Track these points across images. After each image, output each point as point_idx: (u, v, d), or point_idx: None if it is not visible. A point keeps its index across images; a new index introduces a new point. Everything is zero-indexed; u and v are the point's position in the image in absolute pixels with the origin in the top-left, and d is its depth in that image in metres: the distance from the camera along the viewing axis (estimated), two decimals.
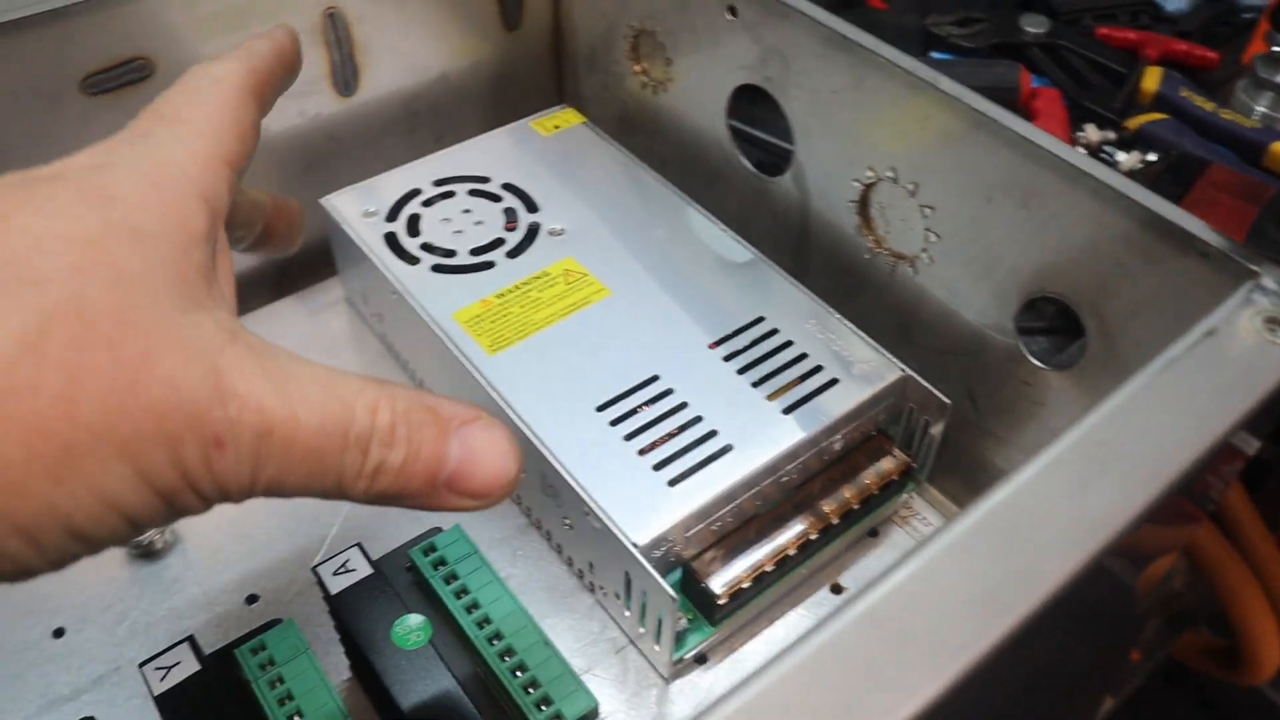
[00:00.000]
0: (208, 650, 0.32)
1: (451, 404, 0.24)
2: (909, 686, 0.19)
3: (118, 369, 0.19)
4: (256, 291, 0.52)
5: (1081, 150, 0.61)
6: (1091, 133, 0.61)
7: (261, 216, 0.32)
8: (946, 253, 0.39)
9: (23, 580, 0.19)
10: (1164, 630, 0.50)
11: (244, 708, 0.29)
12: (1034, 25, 0.68)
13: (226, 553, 0.41)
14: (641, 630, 0.37)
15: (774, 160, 0.47)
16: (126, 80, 0.43)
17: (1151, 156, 0.60)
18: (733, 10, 0.43)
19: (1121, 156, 0.60)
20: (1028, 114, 0.62)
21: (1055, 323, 0.48)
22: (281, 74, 0.29)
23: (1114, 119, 0.63)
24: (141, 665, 0.31)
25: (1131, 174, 0.57)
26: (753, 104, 0.46)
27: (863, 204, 0.42)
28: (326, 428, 0.22)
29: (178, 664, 0.31)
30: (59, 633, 0.38)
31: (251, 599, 0.39)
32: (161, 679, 0.30)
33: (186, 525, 0.41)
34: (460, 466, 0.23)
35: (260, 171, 0.48)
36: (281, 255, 0.35)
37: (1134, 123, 0.62)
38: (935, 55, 0.68)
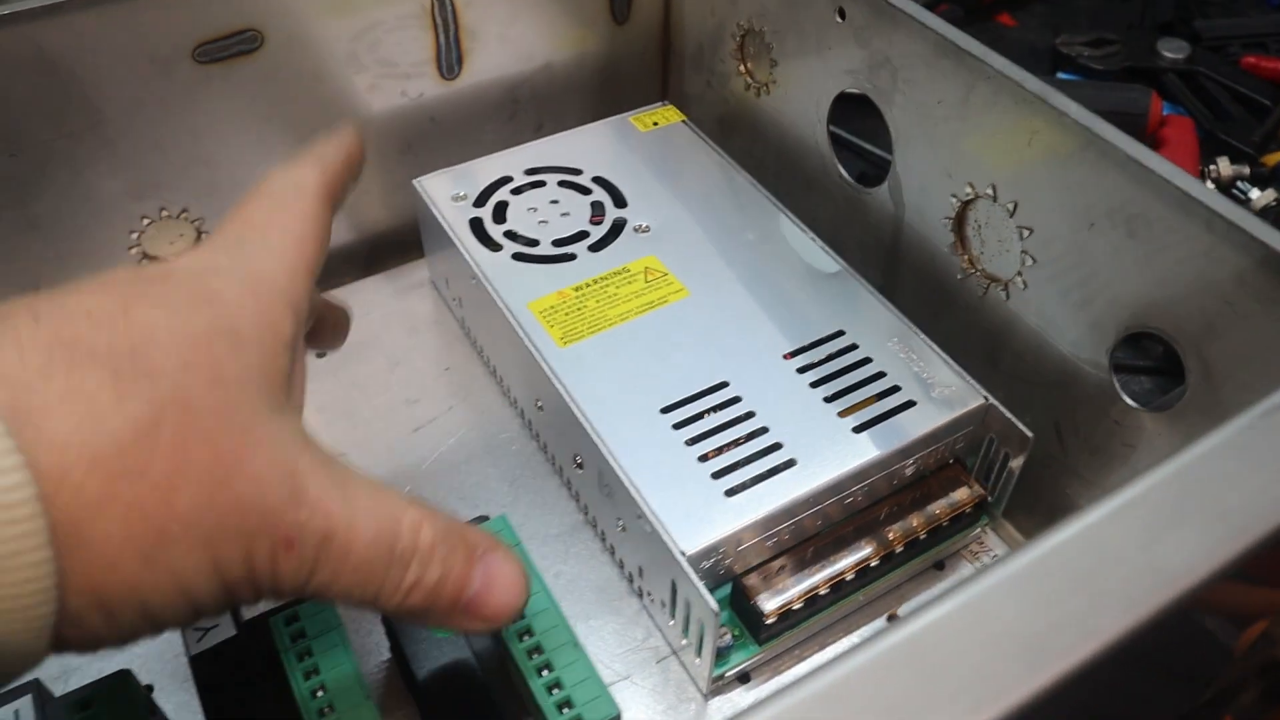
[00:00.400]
0: (248, 617, 0.32)
1: (475, 532, 0.26)
2: None
3: (214, 464, 0.21)
4: (348, 268, 0.52)
5: (1210, 184, 0.58)
6: (1224, 166, 0.58)
7: (314, 314, 0.33)
8: (1043, 278, 0.37)
9: (87, 652, 0.21)
10: (1263, 699, 0.47)
11: (272, 675, 0.29)
12: (1172, 50, 0.65)
13: None
14: (684, 642, 0.36)
15: (873, 171, 0.45)
16: (236, 51, 0.44)
17: None
18: (842, 13, 0.42)
19: (1255, 194, 0.57)
20: (1155, 142, 0.59)
21: (1157, 363, 0.46)
22: (349, 178, 0.31)
23: (1251, 153, 0.59)
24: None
25: (1264, 212, 0.54)
26: (856, 112, 0.45)
27: (959, 221, 0.40)
28: (379, 540, 0.23)
29: (215, 626, 0.31)
30: None
31: None
32: (199, 640, 0.31)
33: None
34: (479, 593, 0.25)
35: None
36: (328, 349, 0.37)
37: (1273, 159, 0.59)
38: (1062, 76, 0.65)
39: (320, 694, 0.29)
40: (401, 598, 0.24)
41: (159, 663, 0.37)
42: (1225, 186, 0.58)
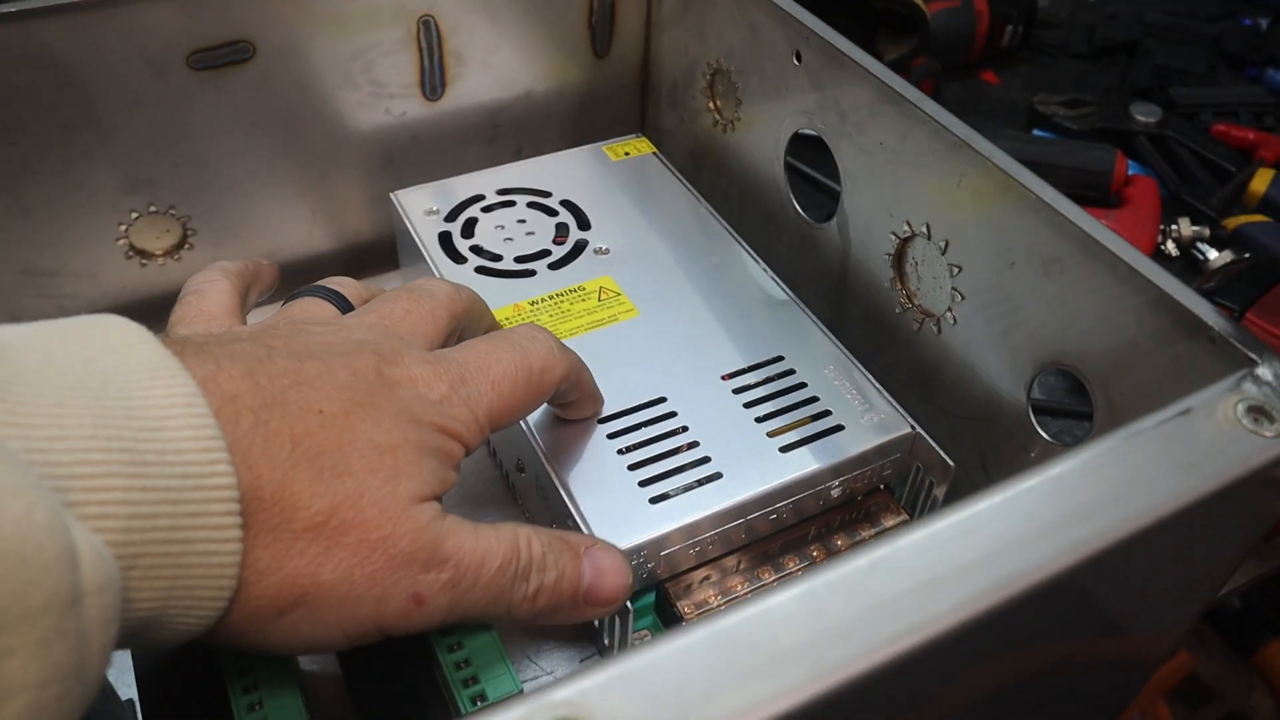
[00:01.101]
0: None
1: (576, 535, 0.32)
2: (758, 695, 0.20)
3: (360, 545, 0.26)
4: (326, 273, 0.54)
5: (1170, 244, 0.60)
6: (1185, 227, 0.60)
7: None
8: (970, 314, 0.39)
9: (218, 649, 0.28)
10: None
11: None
12: (1146, 114, 0.67)
13: None
14: (605, 643, 0.37)
15: (833, 206, 0.47)
16: (229, 60, 0.46)
17: (1248, 256, 0.58)
18: (799, 55, 0.44)
19: (1213, 254, 0.59)
20: (1119, 200, 0.61)
21: (1073, 402, 0.47)
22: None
23: (1213, 215, 0.61)
24: None
25: (1215, 272, 0.55)
26: (814, 150, 0.47)
27: (898, 258, 0.42)
28: (504, 564, 0.29)
29: None
30: None
31: None
32: None
33: None
34: (592, 583, 0.31)
35: (344, 160, 0.51)
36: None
37: (1233, 222, 0.60)
38: (1038, 133, 0.67)
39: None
40: (530, 605, 0.30)
41: None
42: (1185, 246, 0.59)
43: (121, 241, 0.49)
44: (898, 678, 0.21)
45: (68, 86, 0.44)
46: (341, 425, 0.27)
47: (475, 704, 0.29)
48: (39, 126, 0.44)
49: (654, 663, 0.20)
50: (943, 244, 0.39)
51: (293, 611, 0.26)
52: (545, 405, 0.39)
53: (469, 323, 0.36)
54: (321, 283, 0.36)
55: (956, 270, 0.39)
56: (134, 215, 0.48)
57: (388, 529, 0.27)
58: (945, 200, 0.38)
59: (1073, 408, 0.48)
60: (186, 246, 0.50)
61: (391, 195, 0.49)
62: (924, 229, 0.40)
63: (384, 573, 0.27)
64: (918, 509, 0.40)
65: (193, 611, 0.24)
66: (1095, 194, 0.60)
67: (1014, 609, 0.22)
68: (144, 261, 0.50)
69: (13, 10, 0.41)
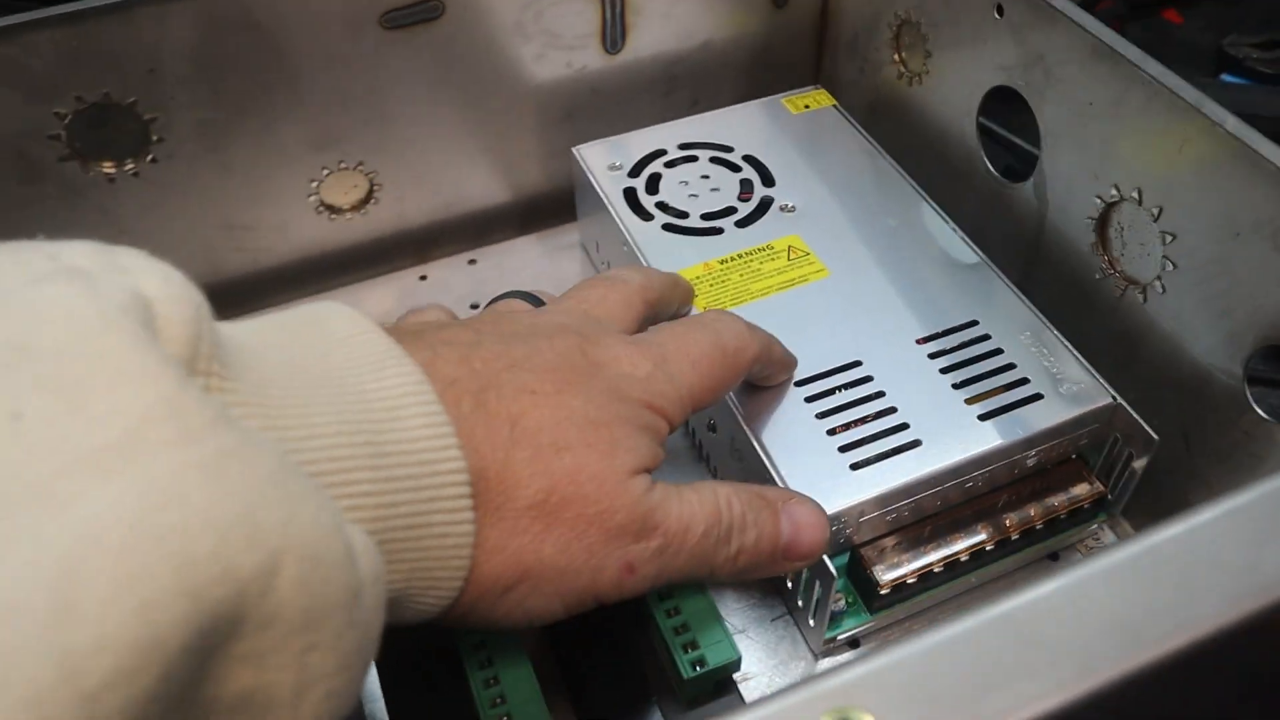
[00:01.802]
0: None
1: (773, 490, 0.33)
2: (1027, 692, 0.20)
3: (579, 519, 0.27)
4: (503, 227, 0.55)
5: None
6: None
7: None
8: (1182, 284, 0.37)
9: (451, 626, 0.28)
10: None
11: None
12: None
13: None
14: (800, 604, 0.38)
15: (1019, 165, 0.46)
16: (420, 18, 0.47)
17: None
18: (1000, 9, 0.42)
19: None
20: None
21: None
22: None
23: None
24: None
25: None
26: (1005, 106, 0.45)
27: (1102, 222, 0.40)
28: (708, 530, 0.30)
29: None
30: None
31: None
32: None
33: None
34: (791, 537, 0.32)
35: (523, 114, 0.52)
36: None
37: None
38: (1227, 78, 0.64)
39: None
40: (732, 564, 0.30)
41: None
42: None
43: (313, 197, 0.50)
44: (1168, 678, 0.21)
45: (269, 49, 0.45)
46: (555, 403, 0.28)
47: (695, 668, 0.30)
48: (241, 88, 0.46)
49: (927, 654, 0.20)
50: (1155, 210, 0.38)
51: (518, 587, 0.27)
52: None
53: (661, 308, 0.37)
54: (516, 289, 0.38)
55: (1170, 238, 0.37)
56: (325, 171, 0.50)
57: (605, 503, 0.27)
58: (1161, 164, 0.37)
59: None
60: (373, 201, 0.52)
61: (573, 150, 0.50)
62: (1134, 194, 0.38)
63: (600, 545, 0.27)
64: (1113, 480, 0.40)
65: (431, 592, 0.25)
66: None
67: None
68: (333, 216, 0.51)
69: None
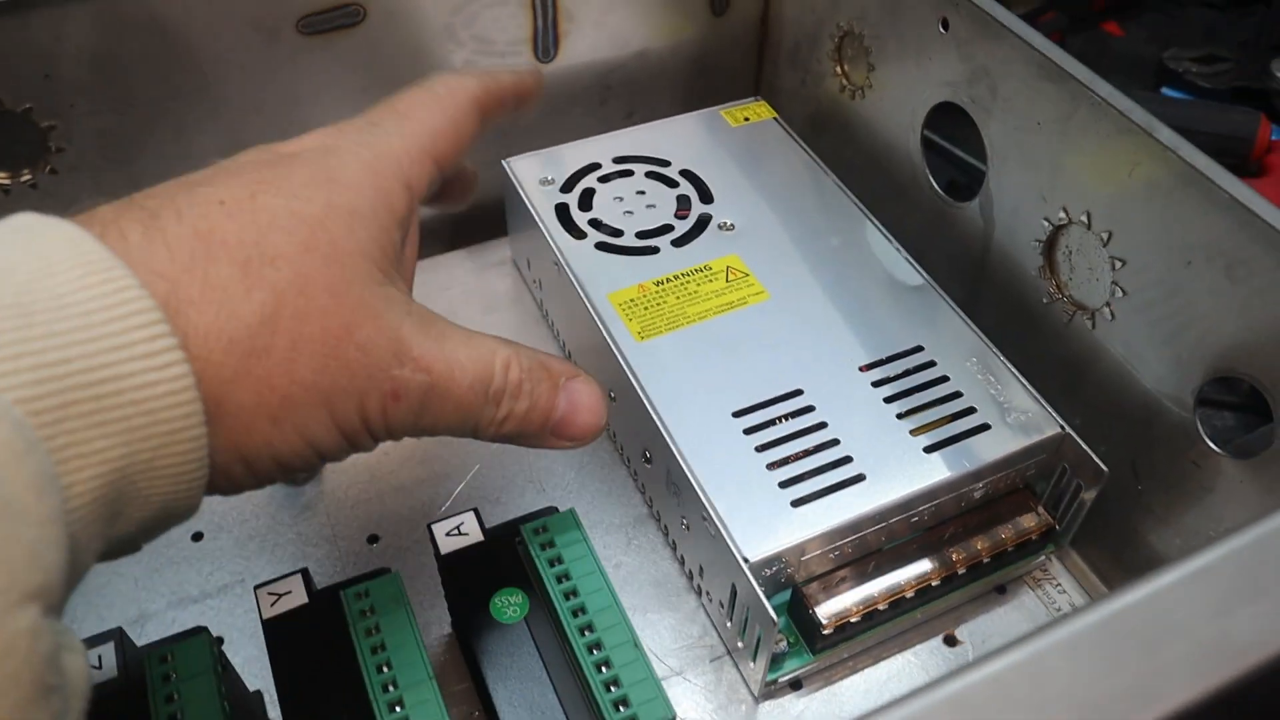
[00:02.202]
0: (320, 584, 0.33)
1: (559, 362, 0.30)
2: None
3: (326, 335, 0.24)
4: (431, 242, 0.53)
5: None
6: None
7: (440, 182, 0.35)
8: (1132, 311, 0.36)
9: (234, 494, 0.25)
10: None
11: (340, 646, 0.30)
12: None
13: (358, 492, 0.42)
14: (740, 645, 0.36)
15: (963, 179, 0.45)
16: (339, 24, 0.45)
17: None
18: (945, 23, 0.41)
19: None
20: (1260, 169, 0.57)
21: (1243, 401, 0.45)
22: (513, 104, 0.33)
23: None
24: (256, 588, 0.32)
25: None
26: (950, 121, 0.44)
27: (1049, 245, 0.39)
28: (475, 385, 0.27)
29: (289, 593, 0.32)
30: (197, 537, 0.41)
31: (372, 539, 0.41)
32: (272, 604, 0.32)
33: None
34: (564, 415, 0.29)
35: None
36: (450, 210, 0.38)
37: None
38: (1167, 92, 0.64)
39: (385, 670, 0.30)
40: (496, 429, 0.28)
41: (230, 617, 0.38)
42: None
43: None
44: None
45: (178, 54, 0.42)
46: (251, 208, 0.24)
47: None
48: (149, 96, 0.43)
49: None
50: (1105, 235, 0.36)
51: (285, 416, 0.24)
52: (669, 393, 0.37)
53: (501, 112, 0.33)
54: None
55: (1119, 264, 0.36)
56: None
57: (345, 315, 0.24)
58: (1111, 188, 0.36)
59: (1232, 401, 0.45)
60: None
61: (503, 163, 0.48)
62: (1083, 217, 0.37)
63: (360, 364, 0.25)
64: (1061, 511, 0.38)
65: (170, 450, 0.22)
66: (1233, 162, 0.56)
67: None
68: None
69: None
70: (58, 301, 0.20)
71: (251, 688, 0.35)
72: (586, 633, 0.30)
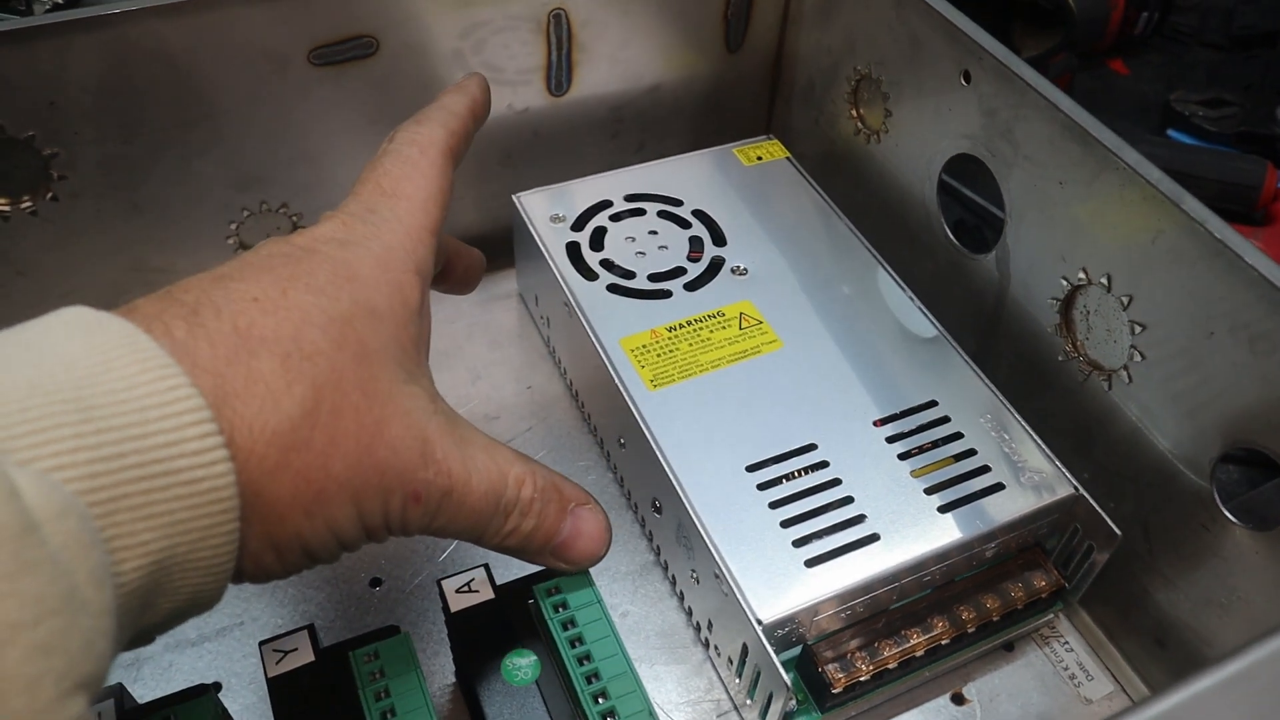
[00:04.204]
0: (323, 630, 0.33)
1: (571, 487, 0.31)
2: None
3: (360, 433, 0.24)
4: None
5: None
6: None
7: (442, 257, 0.35)
8: (1150, 376, 0.36)
9: (262, 582, 0.25)
10: None
11: (348, 707, 0.30)
12: None
13: None
14: (748, 702, 0.36)
15: (973, 221, 0.44)
16: (351, 56, 0.44)
17: None
18: (967, 76, 0.41)
19: None
20: (1266, 217, 0.57)
21: (1261, 476, 0.45)
22: (474, 127, 0.34)
23: None
24: (262, 644, 0.31)
25: None
26: (968, 167, 0.44)
27: (1066, 304, 0.39)
28: (489, 495, 0.28)
29: (294, 650, 0.31)
30: None
31: (375, 582, 0.40)
32: (277, 662, 0.31)
33: None
34: (567, 539, 0.30)
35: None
36: (456, 294, 0.40)
37: None
38: (1173, 134, 0.64)
39: None
40: (501, 540, 0.29)
41: (228, 661, 0.38)
42: None
43: (232, 240, 0.47)
44: None
45: (186, 84, 0.42)
46: (284, 305, 0.24)
47: None
48: (156, 124, 0.42)
49: None
50: (1125, 299, 0.36)
51: (318, 509, 0.24)
52: (682, 444, 0.37)
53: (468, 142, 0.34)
54: None
55: (1139, 329, 0.36)
56: (245, 213, 0.46)
57: (376, 412, 0.25)
58: (1133, 253, 0.35)
59: (1249, 478, 0.45)
60: None
61: (514, 198, 0.47)
62: (1103, 280, 0.37)
63: (390, 464, 0.25)
64: (1071, 569, 0.38)
65: (207, 542, 0.22)
66: (1239, 208, 0.57)
67: None
68: None
69: (134, 8, 0.39)
70: (114, 397, 0.21)
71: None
72: (601, 700, 0.30)
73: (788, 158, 0.50)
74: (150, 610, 0.22)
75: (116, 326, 0.22)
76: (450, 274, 0.38)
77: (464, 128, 0.33)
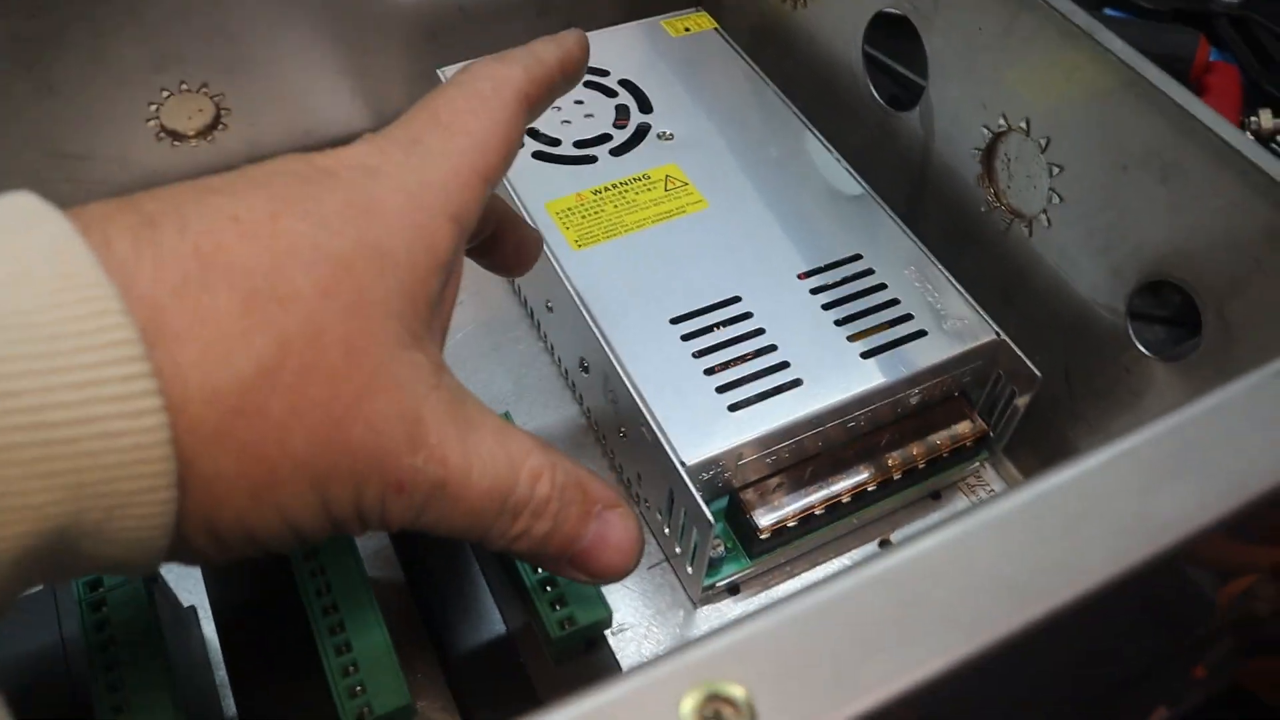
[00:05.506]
0: None
1: (600, 486, 0.25)
2: (910, 659, 0.18)
3: (333, 404, 0.20)
4: None
5: (1249, 135, 0.57)
6: (1265, 119, 0.56)
7: (491, 223, 0.31)
8: (1068, 218, 0.36)
9: (195, 565, 0.21)
10: (1237, 652, 0.47)
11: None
12: None
13: None
14: (678, 550, 0.36)
15: (905, 95, 0.44)
16: None
17: None
18: None
19: None
20: (1198, 89, 0.57)
21: (1175, 312, 0.45)
22: (561, 84, 0.28)
23: None
24: None
25: None
26: (891, 34, 0.43)
27: (988, 153, 0.39)
28: (492, 492, 0.23)
29: None
30: None
31: None
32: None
33: None
34: (589, 547, 0.25)
35: (385, 35, 0.48)
36: (506, 275, 0.35)
37: None
38: (1109, 12, 0.64)
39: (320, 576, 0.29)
40: (507, 543, 0.24)
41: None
42: (1265, 139, 0.56)
43: (152, 122, 0.46)
44: (1056, 631, 0.20)
45: None
46: (270, 231, 0.20)
47: (563, 627, 0.28)
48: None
49: (802, 620, 0.19)
50: (1043, 141, 0.36)
51: (267, 493, 0.20)
52: (606, 301, 0.37)
53: (550, 100, 0.29)
54: None
55: (1057, 170, 0.36)
56: (165, 94, 0.45)
57: (360, 381, 0.20)
58: (1051, 94, 0.36)
59: (1164, 314, 0.45)
60: (220, 127, 0.47)
61: (438, 71, 0.46)
62: (1022, 124, 0.37)
63: (366, 445, 0.21)
64: (995, 417, 0.39)
65: (129, 513, 0.18)
66: (1176, 81, 0.57)
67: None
68: (176, 143, 0.47)
69: None
70: (22, 319, 0.17)
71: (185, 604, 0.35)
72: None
73: (716, 29, 0.49)
74: (51, 577, 0.19)
75: (50, 228, 0.18)
76: (498, 246, 0.31)
77: (549, 78, 0.27)
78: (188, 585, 0.36)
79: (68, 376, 0.17)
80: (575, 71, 0.29)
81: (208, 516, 0.20)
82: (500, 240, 0.31)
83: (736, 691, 0.17)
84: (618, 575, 0.25)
